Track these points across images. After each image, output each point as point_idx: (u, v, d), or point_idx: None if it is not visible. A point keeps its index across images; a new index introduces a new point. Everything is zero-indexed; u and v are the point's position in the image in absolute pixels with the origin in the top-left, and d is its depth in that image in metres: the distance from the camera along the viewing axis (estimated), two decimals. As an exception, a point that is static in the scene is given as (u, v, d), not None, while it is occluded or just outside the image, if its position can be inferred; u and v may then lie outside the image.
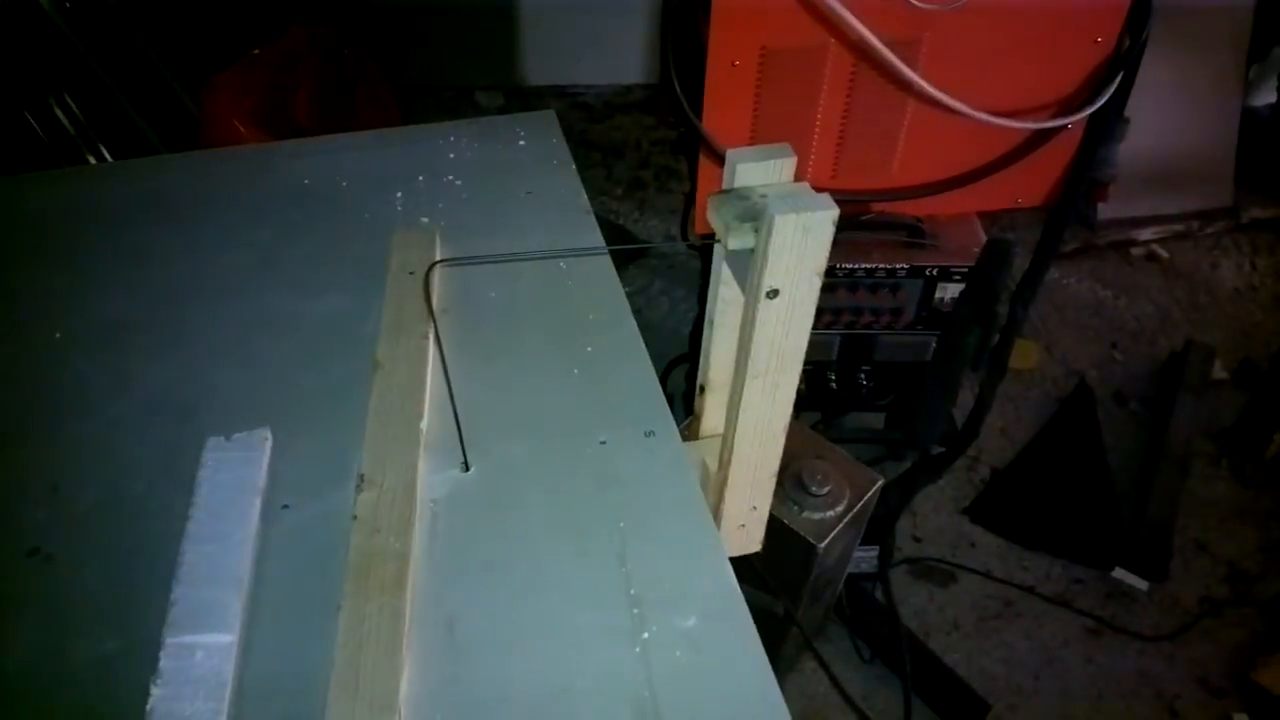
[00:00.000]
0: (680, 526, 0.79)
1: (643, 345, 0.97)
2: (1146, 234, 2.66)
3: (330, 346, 0.96)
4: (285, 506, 0.80)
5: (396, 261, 1.03)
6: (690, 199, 1.51)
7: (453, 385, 0.89)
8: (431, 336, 0.94)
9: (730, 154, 0.74)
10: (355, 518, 0.76)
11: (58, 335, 0.97)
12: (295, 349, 0.96)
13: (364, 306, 1.00)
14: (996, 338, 1.62)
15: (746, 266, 0.72)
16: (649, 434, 0.87)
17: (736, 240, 0.71)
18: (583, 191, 1.19)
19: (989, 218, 1.70)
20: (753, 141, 1.46)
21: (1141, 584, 1.73)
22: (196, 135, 1.98)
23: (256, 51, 2.01)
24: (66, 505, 0.80)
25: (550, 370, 0.94)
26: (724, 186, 0.74)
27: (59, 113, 2.02)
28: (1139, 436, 2.04)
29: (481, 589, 0.74)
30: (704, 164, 1.46)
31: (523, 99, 3.17)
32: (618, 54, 3.22)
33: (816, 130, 1.45)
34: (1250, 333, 2.30)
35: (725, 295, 0.81)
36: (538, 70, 3.22)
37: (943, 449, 1.88)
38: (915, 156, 1.49)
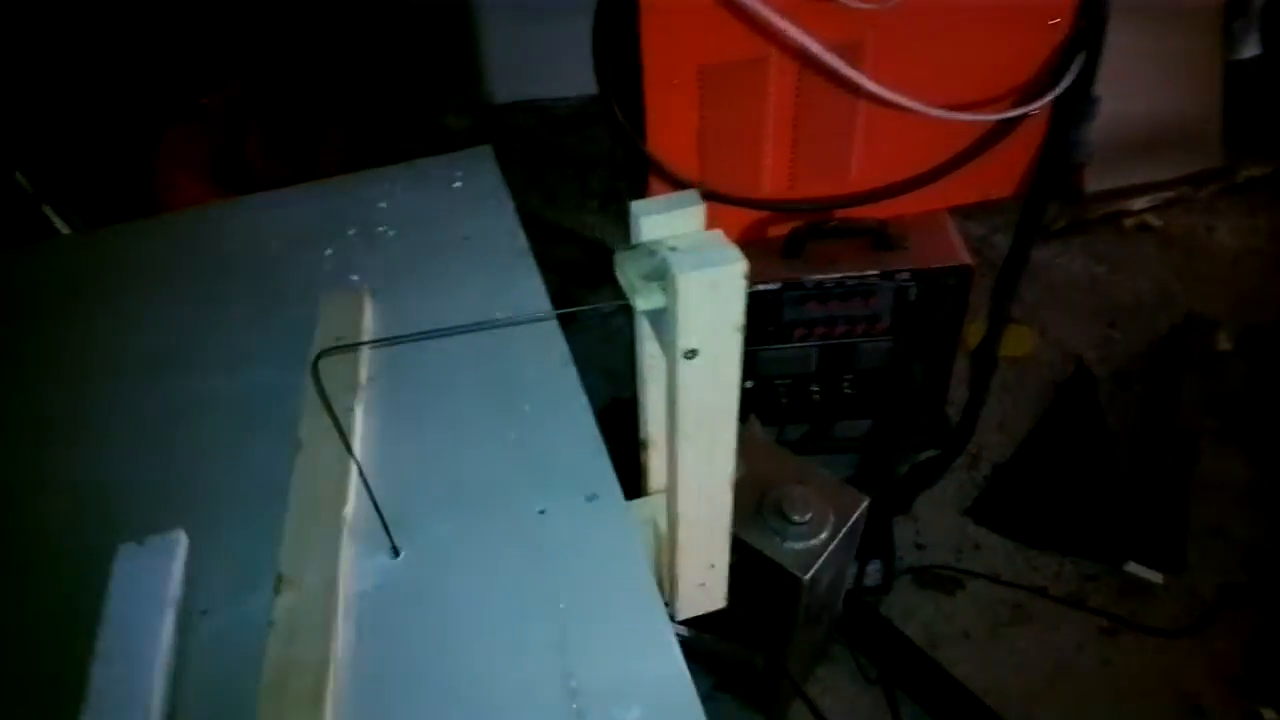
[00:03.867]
0: (625, 603, 0.74)
1: (584, 397, 0.91)
2: (1138, 204, 2.57)
3: (251, 429, 0.91)
4: (203, 613, 0.75)
5: (323, 328, 0.98)
6: None
7: (379, 460, 0.84)
8: (358, 410, 0.89)
9: (634, 207, 0.68)
10: (272, 624, 0.71)
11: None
12: (214, 434, 0.91)
13: (292, 381, 0.95)
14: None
15: (661, 325, 0.67)
16: (591, 498, 0.81)
17: (645, 301, 0.65)
18: (520, 232, 1.14)
19: (964, 211, 1.64)
20: (701, 160, 1.41)
21: (1157, 576, 1.65)
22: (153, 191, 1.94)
23: (204, 101, 1.97)
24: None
25: (485, 435, 0.88)
26: (631, 240, 0.69)
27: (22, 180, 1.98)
28: (1144, 419, 1.97)
29: (409, 694, 0.69)
30: (656, 185, 1.41)
31: (493, 117, 3.12)
32: (586, 64, 3.16)
33: (768, 141, 1.39)
34: (1253, 299, 2.21)
35: (651, 350, 0.75)
36: (505, 88, 3.16)
37: (937, 451, 1.82)
38: (874, 158, 1.43)
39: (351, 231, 1.16)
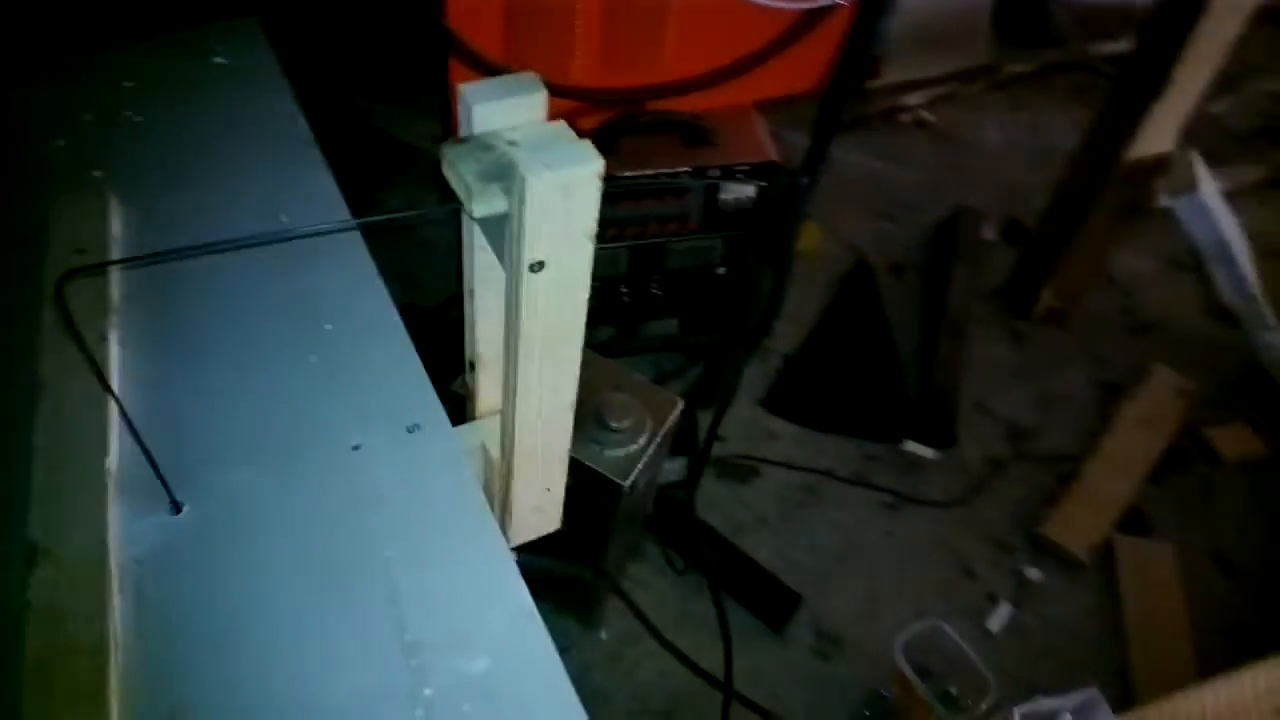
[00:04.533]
0: (461, 544, 0.67)
1: (396, 315, 0.81)
2: (913, 99, 2.68)
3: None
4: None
5: (59, 240, 0.81)
6: (445, 111, 1.32)
7: (147, 399, 0.70)
8: (113, 338, 0.74)
9: (465, 90, 0.58)
10: (29, 605, 0.58)
11: None
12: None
13: (14, 306, 0.78)
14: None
15: (501, 233, 0.58)
16: (413, 428, 0.73)
17: (484, 205, 0.56)
18: (301, 117, 0.99)
19: (765, 111, 1.62)
20: (507, 40, 1.28)
21: (931, 453, 1.79)
22: None
23: None
24: None
25: (279, 362, 0.77)
26: (460, 132, 0.59)
27: None
28: (917, 307, 2.10)
29: (214, 667, 0.59)
30: (456, 68, 1.27)
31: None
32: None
33: (579, 22, 1.28)
34: (1015, 191, 2.38)
35: (483, 261, 0.66)
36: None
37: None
38: (686, 48, 1.36)
39: (89, 117, 0.96)
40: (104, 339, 0.73)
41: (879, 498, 1.75)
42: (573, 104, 1.41)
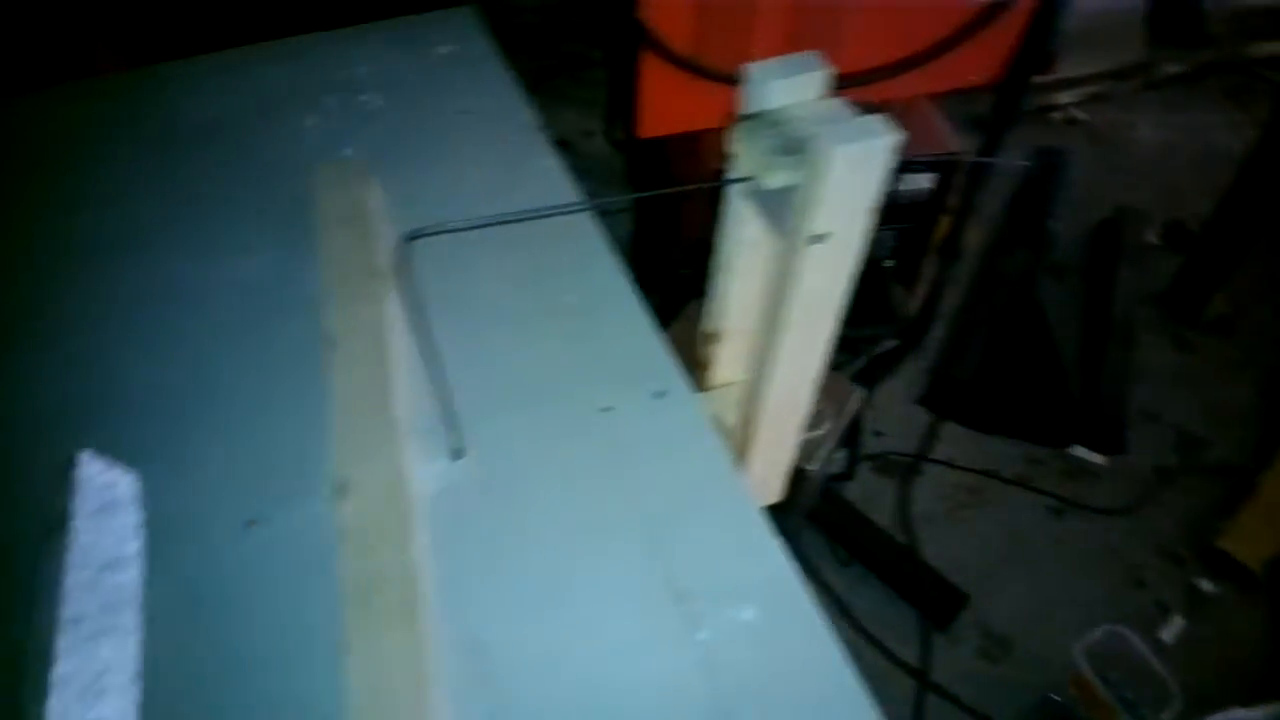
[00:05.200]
0: (715, 503, 0.70)
1: (631, 288, 0.85)
2: (1064, 97, 2.62)
3: (255, 319, 0.81)
4: (250, 523, 0.67)
5: (326, 209, 0.88)
6: (618, 92, 1.37)
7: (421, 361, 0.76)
8: (393, 302, 0.80)
9: (753, 69, 0.61)
10: (341, 533, 0.64)
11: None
12: (212, 325, 0.81)
13: (287, 266, 0.85)
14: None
15: (782, 207, 0.61)
16: (659, 394, 0.76)
17: (777, 178, 0.59)
18: (526, 106, 1.04)
19: (939, 102, 1.61)
20: (697, 27, 1.32)
21: (1100, 459, 1.75)
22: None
23: None
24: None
25: (530, 329, 0.82)
26: (746, 109, 0.62)
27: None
28: (1079, 308, 2.05)
29: (502, 603, 0.64)
30: (647, 60, 1.31)
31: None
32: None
33: (763, 12, 1.31)
34: (1175, 193, 2.30)
35: (744, 236, 0.70)
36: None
37: (898, 342, 1.84)
38: (867, 38, 1.37)
39: (330, 99, 1.04)
40: (383, 303, 0.79)
41: (1044, 501, 1.72)
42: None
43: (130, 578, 0.64)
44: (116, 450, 0.69)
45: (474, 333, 0.81)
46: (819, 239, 0.60)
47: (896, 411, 1.86)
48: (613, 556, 0.67)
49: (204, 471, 0.70)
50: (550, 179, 0.95)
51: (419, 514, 0.67)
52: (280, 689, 0.60)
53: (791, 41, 1.39)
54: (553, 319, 0.82)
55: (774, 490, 0.84)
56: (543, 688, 0.60)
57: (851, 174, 0.56)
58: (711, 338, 0.80)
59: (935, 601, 1.53)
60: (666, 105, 1.35)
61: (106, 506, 0.67)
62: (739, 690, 0.60)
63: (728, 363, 0.81)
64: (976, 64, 1.48)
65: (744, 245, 0.70)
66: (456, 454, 0.71)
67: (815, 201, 0.57)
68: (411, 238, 0.57)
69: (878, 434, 1.81)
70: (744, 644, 0.62)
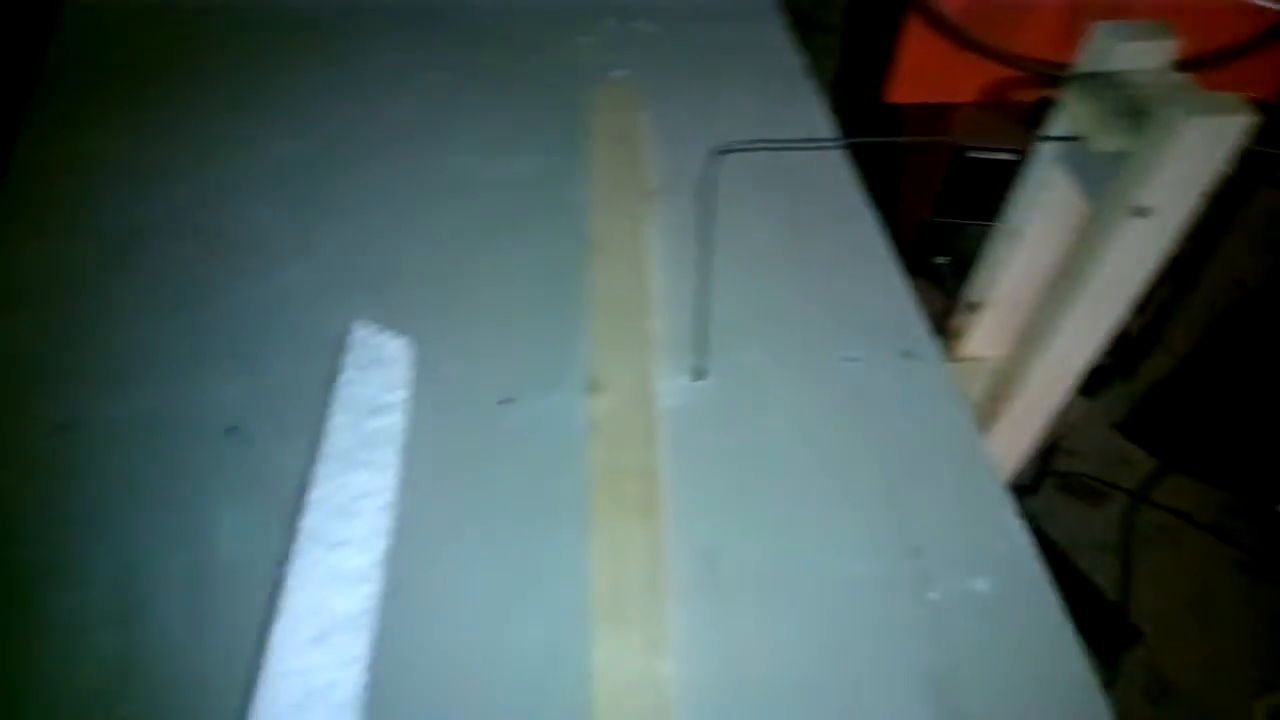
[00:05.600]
0: (956, 470, 0.69)
1: (885, 244, 0.84)
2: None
3: (524, 215, 0.85)
4: (504, 401, 0.71)
5: (600, 123, 0.91)
6: (868, 55, 1.34)
7: (672, 281, 0.78)
8: (651, 220, 0.82)
9: (1101, 28, 0.58)
10: (592, 425, 0.67)
11: (227, 178, 0.87)
12: (484, 216, 0.85)
13: (556, 171, 0.88)
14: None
15: (1104, 174, 0.59)
16: (906, 354, 0.75)
17: (1109, 140, 0.57)
18: (795, 50, 1.04)
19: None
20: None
21: (1308, 524, 1.62)
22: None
23: None
24: (258, 380, 0.71)
25: (780, 269, 0.82)
26: (1085, 67, 0.59)
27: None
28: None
29: (736, 522, 0.65)
30: (912, 23, 1.28)
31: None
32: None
33: (1047, -4, 1.25)
34: None
35: (1046, 201, 0.67)
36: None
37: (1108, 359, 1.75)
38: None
39: (610, 21, 1.06)
40: (642, 220, 0.81)
41: (1236, 555, 1.61)
42: (1009, 73, 1.38)
43: (392, 421, 0.68)
44: (389, 320, 0.74)
45: (728, 264, 0.81)
46: (1141, 213, 0.57)
47: (1091, 431, 1.77)
48: (848, 499, 0.66)
49: (465, 350, 0.74)
50: (814, 124, 0.94)
51: (664, 422, 0.69)
52: (518, 556, 0.63)
53: (1069, 28, 1.32)
54: (806, 264, 0.82)
55: (1004, 472, 0.82)
56: (765, 609, 0.61)
57: (1198, 148, 0.53)
58: (972, 307, 0.77)
59: (1105, 634, 1.46)
60: (924, 73, 1.31)
61: (376, 362, 0.72)
62: (963, 658, 0.59)
63: (982, 335, 0.79)
64: (1257, 78, 1.37)
65: (1042, 210, 0.68)
66: (699, 374, 0.73)
67: (1149, 171, 0.55)
68: (722, 152, 0.58)
69: (1069, 453, 1.73)
70: (973, 613, 0.61)
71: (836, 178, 0.90)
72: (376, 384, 0.70)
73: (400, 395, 0.69)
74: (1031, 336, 0.67)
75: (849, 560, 0.63)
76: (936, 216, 1.46)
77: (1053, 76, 1.36)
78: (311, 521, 0.62)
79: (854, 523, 0.65)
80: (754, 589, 0.61)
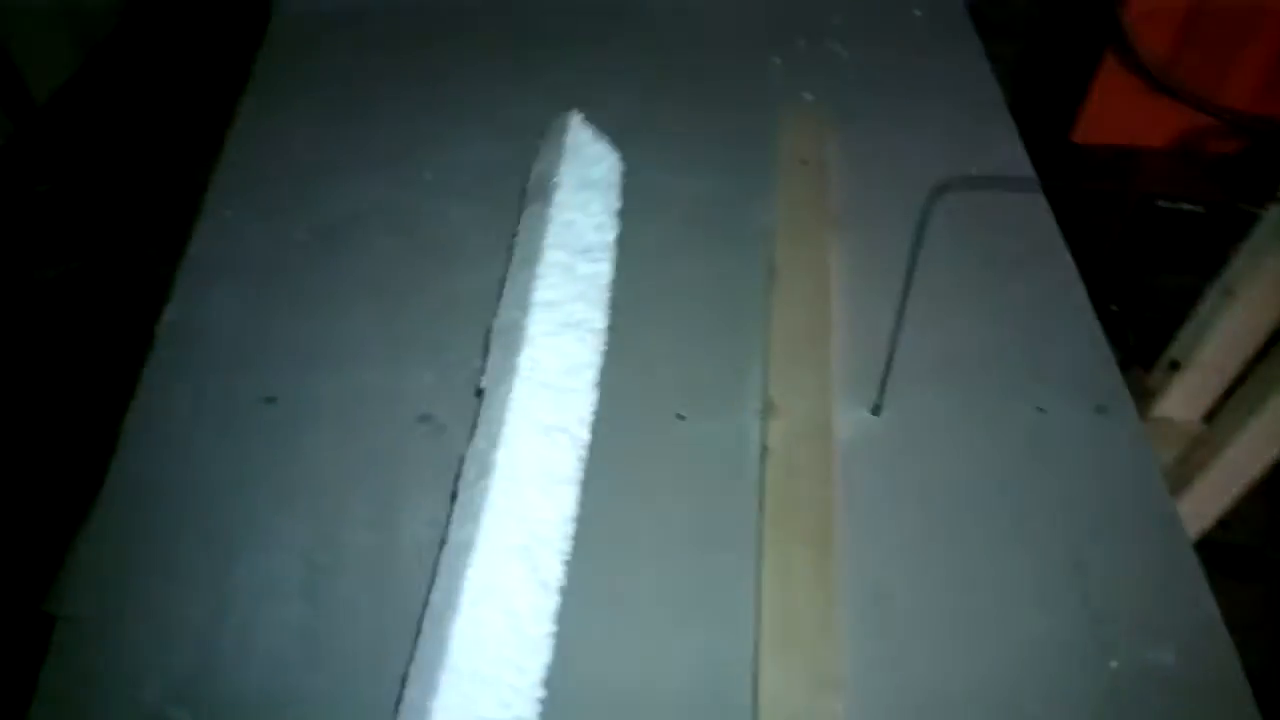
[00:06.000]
0: (1147, 535, 0.66)
1: (1083, 291, 0.81)
2: None
3: (707, 233, 0.85)
4: (681, 417, 0.72)
5: (786, 147, 0.91)
6: (1055, 92, 1.29)
7: (852, 311, 0.77)
8: (835, 250, 0.82)
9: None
10: (768, 450, 0.67)
11: (428, 177, 0.91)
12: (663, 230, 0.85)
13: (740, 192, 0.89)
14: None
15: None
16: (1100, 409, 0.72)
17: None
18: (993, 80, 1.01)
19: None
20: (1176, 39, 1.21)
21: None
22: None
23: None
24: (451, 373, 0.75)
25: (968, 310, 0.80)
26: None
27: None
28: None
29: (910, 563, 0.64)
30: (1108, 61, 1.23)
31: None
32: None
33: (1253, 44, 1.18)
34: None
35: (1267, 265, 0.63)
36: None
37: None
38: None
39: (801, 41, 1.06)
40: (826, 249, 0.81)
41: None
42: (1204, 120, 1.31)
43: (603, 270, 0.70)
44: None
45: (916, 298, 0.80)
46: (1390, 288, 0.53)
47: (1243, 507, 1.65)
48: (1028, 554, 0.64)
49: (642, 365, 0.75)
50: (1009, 160, 0.92)
51: (839, 455, 0.68)
52: (685, 572, 0.63)
53: (1270, 77, 1.24)
54: (997, 305, 0.80)
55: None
56: (938, 656, 0.59)
57: None
58: (1172, 366, 0.74)
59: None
60: (1116, 113, 1.25)
61: (589, 184, 0.73)
62: (1144, 734, 0.57)
63: (1178, 396, 0.75)
64: None
65: (1258, 271, 0.64)
66: (876, 409, 0.72)
67: None
68: (941, 189, 0.57)
69: (1223, 524, 1.62)
70: (1156, 686, 0.58)
71: (1034, 218, 0.87)
72: (591, 216, 0.75)
73: (611, 236, 0.74)
74: (1239, 403, 0.64)
75: (1027, 618, 0.61)
76: (1114, 264, 1.39)
77: (1254, 130, 1.28)
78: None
79: (1034, 579, 0.63)
80: (926, 636, 0.60)
